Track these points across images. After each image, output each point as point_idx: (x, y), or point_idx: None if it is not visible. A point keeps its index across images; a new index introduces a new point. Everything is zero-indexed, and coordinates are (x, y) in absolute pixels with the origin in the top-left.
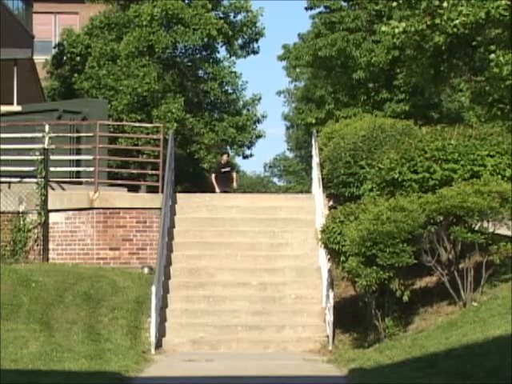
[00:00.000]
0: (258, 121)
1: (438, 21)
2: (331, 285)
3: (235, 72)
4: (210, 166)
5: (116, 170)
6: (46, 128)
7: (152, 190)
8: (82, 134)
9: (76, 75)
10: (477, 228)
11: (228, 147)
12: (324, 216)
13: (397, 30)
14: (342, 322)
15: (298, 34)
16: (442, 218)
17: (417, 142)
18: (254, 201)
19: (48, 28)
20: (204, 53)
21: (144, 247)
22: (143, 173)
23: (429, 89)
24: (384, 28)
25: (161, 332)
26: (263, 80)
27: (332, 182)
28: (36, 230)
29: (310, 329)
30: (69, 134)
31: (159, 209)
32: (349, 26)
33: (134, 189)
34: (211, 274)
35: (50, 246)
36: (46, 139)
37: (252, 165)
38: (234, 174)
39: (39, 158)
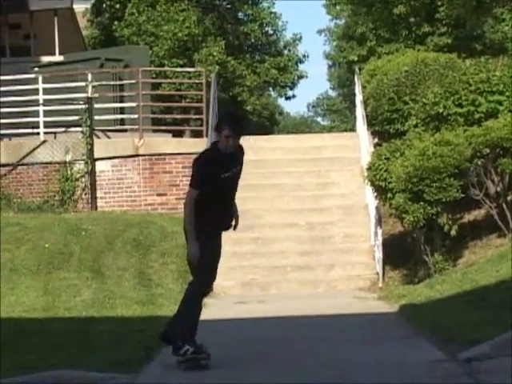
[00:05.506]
0: (300, 61)
1: None
2: (379, 222)
3: (275, 12)
4: (253, 108)
5: (160, 116)
6: (89, 77)
7: (196, 134)
8: (124, 82)
9: (116, 23)
10: None
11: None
12: (369, 153)
13: None
14: (391, 258)
15: None
16: (488, 151)
17: (461, 74)
18: (298, 141)
19: None
20: None
21: None
22: (187, 118)
23: (471, 20)
24: None
25: None
26: (303, 19)
27: (376, 119)
28: (83, 179)
29: (359, 267)
30: (111, 82)
31: None
32: None
33: (178, 134)
34: (258, 216)
35: (98, 194)
36: (90, 88)
37: (295, 105)
38: None
39: (83, 107)
